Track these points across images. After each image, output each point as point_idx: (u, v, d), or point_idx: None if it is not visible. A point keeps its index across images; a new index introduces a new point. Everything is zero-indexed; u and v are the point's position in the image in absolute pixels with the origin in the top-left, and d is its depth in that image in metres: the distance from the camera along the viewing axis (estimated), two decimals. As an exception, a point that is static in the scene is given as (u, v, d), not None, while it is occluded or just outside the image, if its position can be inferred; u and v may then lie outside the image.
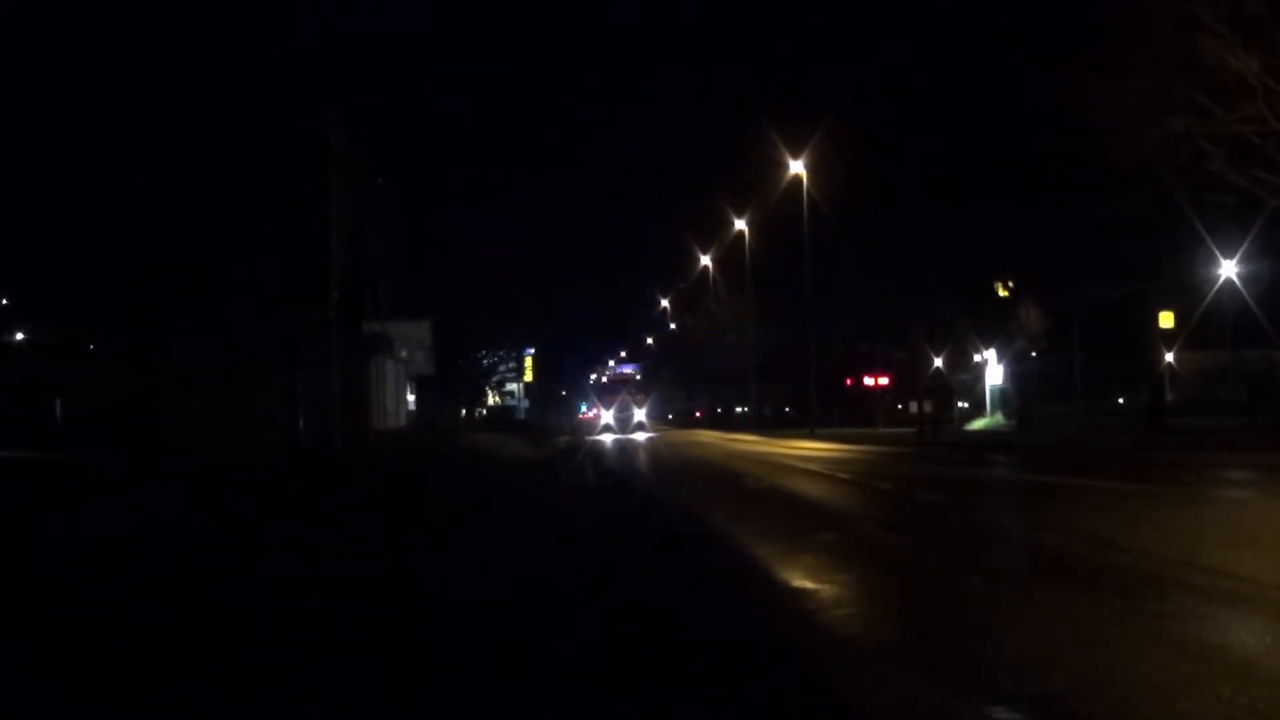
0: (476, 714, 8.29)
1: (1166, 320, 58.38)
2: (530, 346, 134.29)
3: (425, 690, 8.86)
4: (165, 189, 49.47)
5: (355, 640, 10.47)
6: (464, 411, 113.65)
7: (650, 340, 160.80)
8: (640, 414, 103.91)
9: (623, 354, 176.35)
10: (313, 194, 49.80)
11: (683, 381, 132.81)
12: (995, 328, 75.67)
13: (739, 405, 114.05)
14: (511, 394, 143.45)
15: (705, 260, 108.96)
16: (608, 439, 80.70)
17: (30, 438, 42.33)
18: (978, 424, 72.12)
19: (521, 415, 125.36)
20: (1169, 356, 59.42)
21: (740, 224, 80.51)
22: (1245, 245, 47.24)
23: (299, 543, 16.85)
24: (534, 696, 8.66)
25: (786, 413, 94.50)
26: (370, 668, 9.45)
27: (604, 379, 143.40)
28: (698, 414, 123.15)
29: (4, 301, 53.45)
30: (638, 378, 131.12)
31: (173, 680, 9.04)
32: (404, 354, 70.87)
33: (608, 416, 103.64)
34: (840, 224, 71.30)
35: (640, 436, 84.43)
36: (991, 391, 76.10)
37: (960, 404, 78.51)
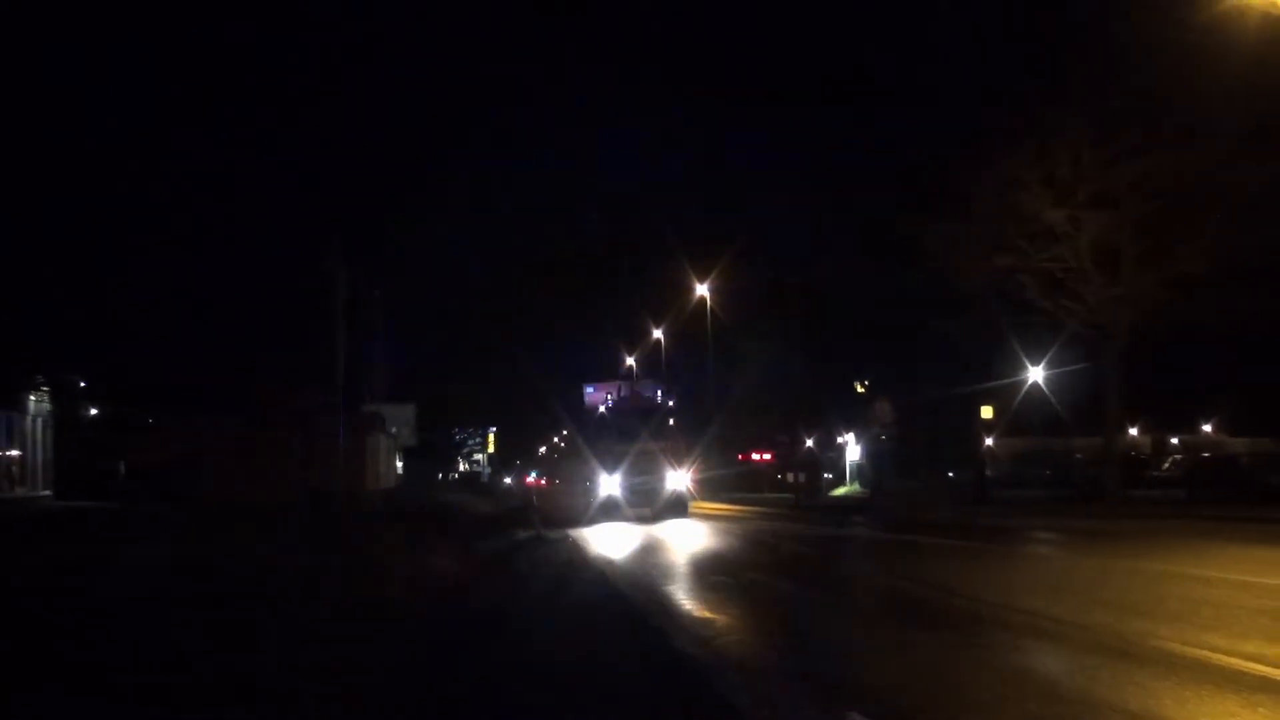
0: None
1: (987, 413, 58.60)
2: (493, 426, 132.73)
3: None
4: (208, 301, 49.58)
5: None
6: (440, 476, 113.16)
7: None
8: (678, 479, 40.24)
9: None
10: (323, 307, 49.94)
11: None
12: (854, 416, 75.99)
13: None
14: (478, 462, 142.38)
15: (630, 361, 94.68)
16: (603, 540, 27.75)
17: (100, 492, 42.85)
18: (840, 491, 72.09)
19: (485, 479, 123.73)
20: (989, 441, 59.64)
21: (657, 333, 78.16)
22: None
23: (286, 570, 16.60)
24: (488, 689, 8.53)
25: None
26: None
27: (603, 411, 52.05)
28: None
29: (82, 384, 53.26)
30: (670, 405, 52.98)
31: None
32: (394, 430, 70.66)
33: (610, 484, 39.44)
34: (740, 331, 71.09)
35: (676, 527, 33.26)
36: (851, 466, 76.23)
37: (826, 475, 78.51)
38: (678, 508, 38.29)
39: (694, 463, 45.30)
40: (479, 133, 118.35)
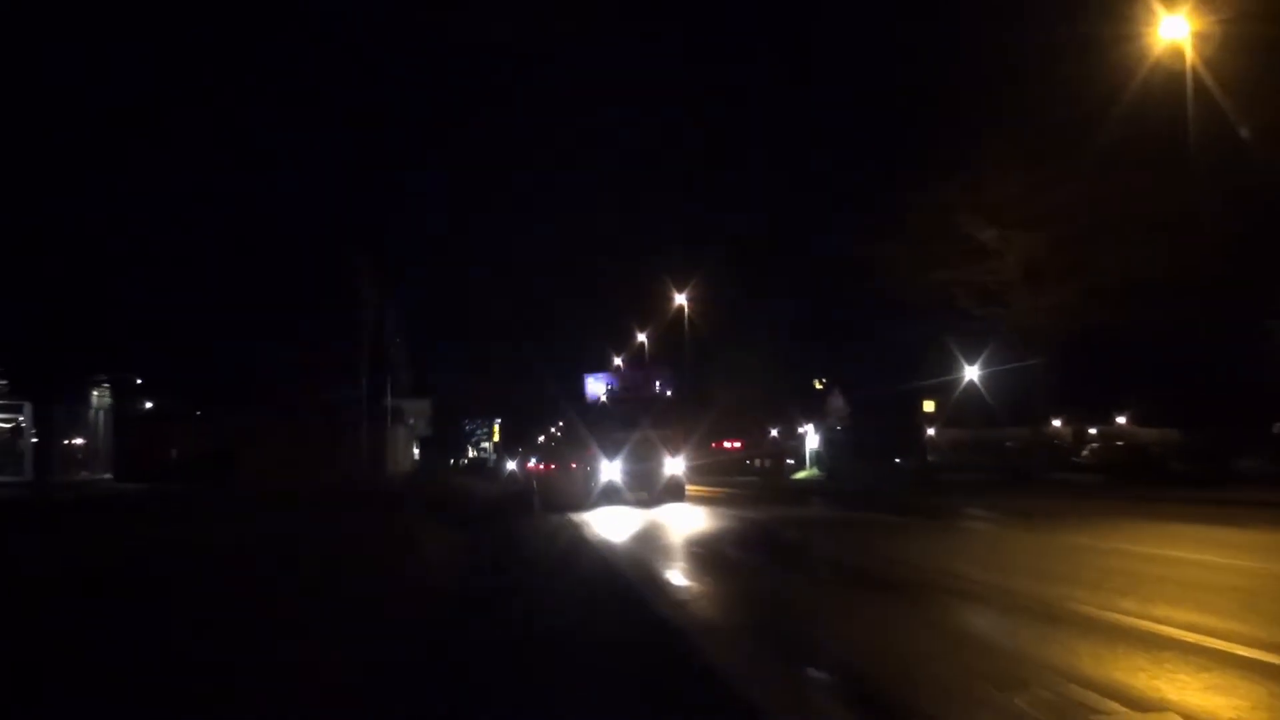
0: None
1: (929, 406, 59.02)
2: (498, 418, 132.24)
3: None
4: (246, 304, 49.43)
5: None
6: (451, 461, 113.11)
7: None
8: (674, 465, 35.71)
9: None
10: (349, 316, 50.03)
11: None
12: (813, 409, 76.17)
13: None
14: (485, 449, 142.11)
15: (618, 360, 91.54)
16: (602, 521, 25.37)
17: (154, 476, 43.62)
18: (800, 475, 71.94)
19: (490, 464, 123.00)
20: (931, 431, 59.87)
21: (641, 336, 77.00)
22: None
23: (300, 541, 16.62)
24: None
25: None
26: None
27: (603, 400, 47.03)
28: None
29: (138, 381, 53.47)
30: (669, 394, 48.65)
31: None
32: (411, 421, 70.76)
33: (611, 469, 34.91)
34: (714, 335, 70.90)
35: (671, 510, 30.26)
36: (810, 453, 76.18)
37: (789, 460, 78.49)
38: (675, 492, 34.65)
39: (690, 450, 40.88)
40: (483, 142, 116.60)
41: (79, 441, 52.03)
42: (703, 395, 66.40)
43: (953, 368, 50.73)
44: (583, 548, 18.46)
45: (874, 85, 49.72)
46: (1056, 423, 56.33)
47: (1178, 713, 6.29)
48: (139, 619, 9.99)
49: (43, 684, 7.59)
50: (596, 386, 49.04)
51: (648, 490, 34.33)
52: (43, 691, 7.41)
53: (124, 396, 53.41)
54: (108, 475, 49.68)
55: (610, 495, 33.82)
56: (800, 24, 68.39)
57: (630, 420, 37.10)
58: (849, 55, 58.11)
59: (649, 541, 19.78)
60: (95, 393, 52.29)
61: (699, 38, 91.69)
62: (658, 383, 49.24)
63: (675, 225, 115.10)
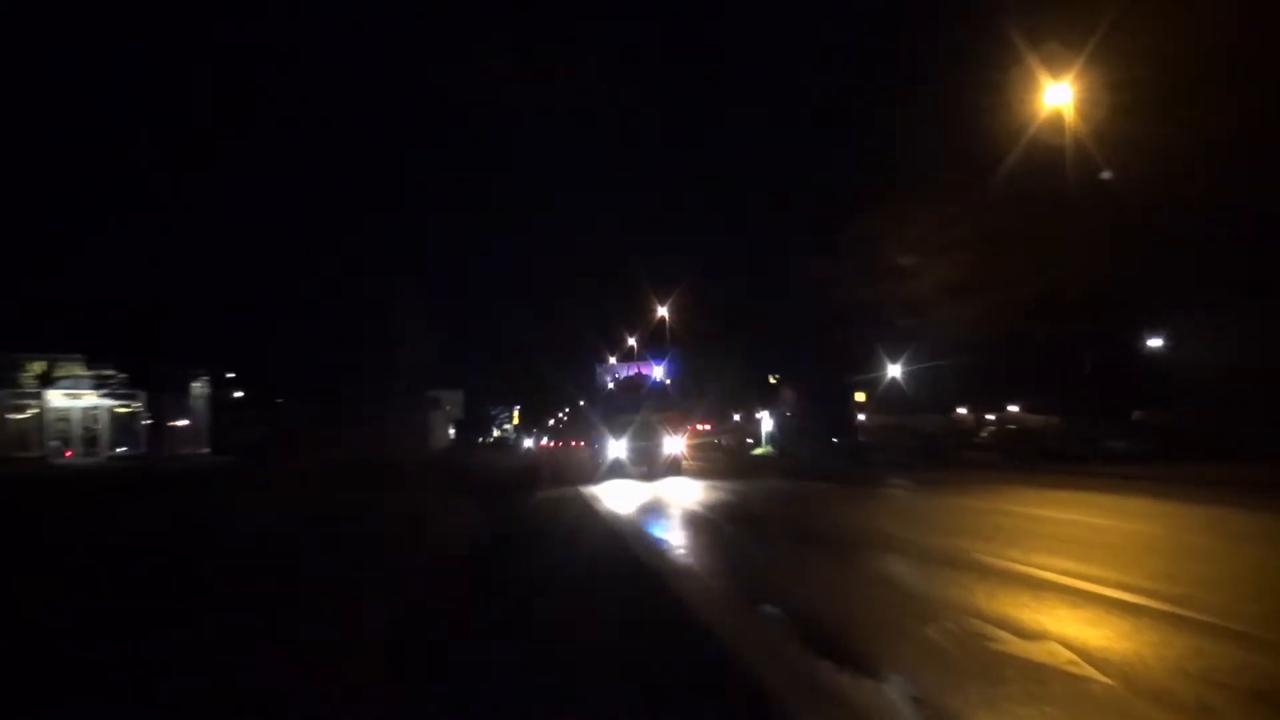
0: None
1: (860, 397, 59.07)
2: (518, 404, 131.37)
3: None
4: (312, 321, 49.63)
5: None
6: (479, 440, 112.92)
7: None
8: (675, 444, 33.33)
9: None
10: (400, 323, 50.07)
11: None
12: (768, 399, 76.16)
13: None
14: (507, 430, 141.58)
15: (612, 360, 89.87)
16: (605, 492, 24.01)
17: (242, 451, 44.55)
18: (758, 451, 71.75)
19: (510, 443, 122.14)
20: (861, 417, 59.85)
21: (631, 340, 76.62)
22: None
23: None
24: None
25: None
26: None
27: (610, 384, 54.03)
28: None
29: (230, 375, 53.82)
30: (668, 381, 51.64)
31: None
32: (448, 408, 70.93)
33: (617, 448, 32.88)
34: (691, 338, 70.70)
35: (665, 483, 27.59)
36: (766, 434, 76.07)
37: (749, 440, 78.34)
38: (673, 468, 32.33)
39: (687, 430, 37.71)
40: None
41: (183, 423, 52.60)
42: (686, 386, 66.48)
43: (880, 365, 51.01)
44: (590, 516, 18.43)
45: (815, 134, 50.18)
46: (962, 410, 56.46)
47: (1056, 641, 6.30)
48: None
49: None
50: (604, 377, 48.51)
51: (649, 466, 32.40)
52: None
53: (219, 387, 53.98)
54: (206, 450, 50.59)
55: (616, 470, 32.09)
56: (777, 69, 67.42)
57: (634, 405, 35.31)
58: (818, 105, 57.85)
59: (643, 507, 19.77)
60: (195, 384, 52.77)
61: (674, 67, 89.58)
62: (657, 373, 48.42)
63: (665, 243, 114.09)
